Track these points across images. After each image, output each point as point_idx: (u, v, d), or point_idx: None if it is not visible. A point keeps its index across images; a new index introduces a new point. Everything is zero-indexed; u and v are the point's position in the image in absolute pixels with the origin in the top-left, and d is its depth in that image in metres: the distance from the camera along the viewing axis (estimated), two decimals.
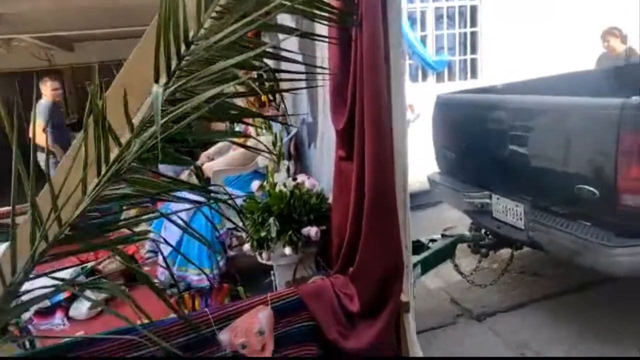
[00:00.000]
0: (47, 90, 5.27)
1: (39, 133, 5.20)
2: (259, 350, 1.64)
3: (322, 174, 2.33)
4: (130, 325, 1.38)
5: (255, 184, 2.23)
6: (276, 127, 2.50)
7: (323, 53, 1.83)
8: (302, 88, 1.76)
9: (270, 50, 1.33)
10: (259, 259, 2.21)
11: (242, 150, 2.60)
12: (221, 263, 2.45)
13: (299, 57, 1.60)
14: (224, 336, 1.63)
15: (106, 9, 5.95)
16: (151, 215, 1.44)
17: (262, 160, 2.37)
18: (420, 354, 1.74)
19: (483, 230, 3.46)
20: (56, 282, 1.24)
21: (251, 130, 2.49)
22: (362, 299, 1.62)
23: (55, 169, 5.16)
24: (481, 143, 3.27)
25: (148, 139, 1.21)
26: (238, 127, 2.60)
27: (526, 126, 2.96)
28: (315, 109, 2.36)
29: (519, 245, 3.43)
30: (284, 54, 1.45)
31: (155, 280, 2.61)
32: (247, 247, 2.21)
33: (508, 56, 6.41)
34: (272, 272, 2.29)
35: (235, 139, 2.05)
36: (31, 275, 1.21)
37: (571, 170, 2.62)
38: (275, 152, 2.24)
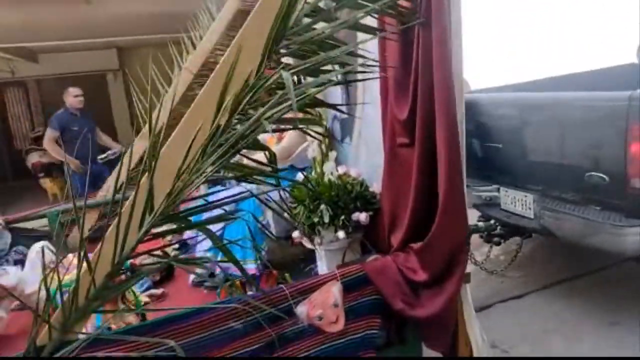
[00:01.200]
0: (68, 97, 5.22)
1: (46, 143, 5.18)
2: (334, 322, 1.77)
3: (359, 166, 2.48)
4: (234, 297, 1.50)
5: (300, 175, 2.37)
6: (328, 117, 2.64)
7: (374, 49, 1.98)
8: (358, 81, 1.90)
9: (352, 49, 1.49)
10: (308, 245, 2.34)
11: (283, 145, 2.73)
12: (263, 252, 2.56)
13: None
14: (301, 309, 1.75)
15: (73, 20, 5.96)
16: (244, 194, 1.56)
17: (312, 152, 2.50)
18: (477, 323, 1.91)
19: (492, 221, 3.67)
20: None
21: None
22: (430, 270, 1.78)
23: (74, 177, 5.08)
24: (489, 139, 3.50)
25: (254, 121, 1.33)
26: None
27: (536, 121, 3.20)
28: (352, 107, 2.51)
29: (528, 234, 3.66)
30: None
31: (198, 271, 2.70)
32: (296, 233, 2.33)
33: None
34: (317, 257, 2.41)
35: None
36: None
37: (581, 159, 2.86)
38: (324, 140, 2.38)
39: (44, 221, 3.44)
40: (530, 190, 3.24)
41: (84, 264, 1.32)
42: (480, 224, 3.59)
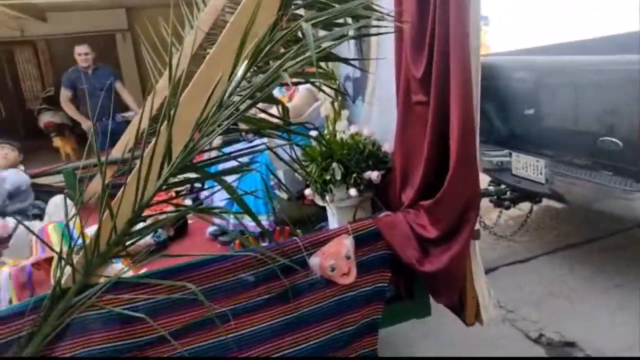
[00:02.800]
0: (75, 55, 5.18)
1: (61, 102, 5.19)
2: (346, 274, 1.82)
3: (372, 125, 2.49)
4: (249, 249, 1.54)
5: (313, 133, 2.38)
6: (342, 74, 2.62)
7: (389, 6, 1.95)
8: (373, 35, 1.88)
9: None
10: (320, 202, 2.38)
11: (294, 103, 2.74)
12: (275, 209, 2.61)
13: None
14: (314, 260, 1.80)
15: None
16: (259, 147, 1.58)
17: (324, 110, 2.51)
18: (484, 278, 1.95)
19: (502, 186, 3.68)
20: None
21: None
22: (440, 226, 1.81)
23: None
24: (501, 103, 3.47)
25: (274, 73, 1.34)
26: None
27: (549, 85, 3.16)
28: (364, 64, 2.49)
29: (539, 199, 3.68)
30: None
31: (211, 229, 2.77)
32: (308, 191, 2.37)
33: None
34: (329, 214, 2.46)
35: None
36: None
37: (595, 124, 2.84)
38: (337, 98, 2.39)
39: (60, 177, 3.51)
40: (542, 155, 3.24)
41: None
42: (491, 188, 3.61)
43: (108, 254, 1.41)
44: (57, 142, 7.70)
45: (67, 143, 7.73)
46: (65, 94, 5.16)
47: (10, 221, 2.45)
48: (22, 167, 3.27)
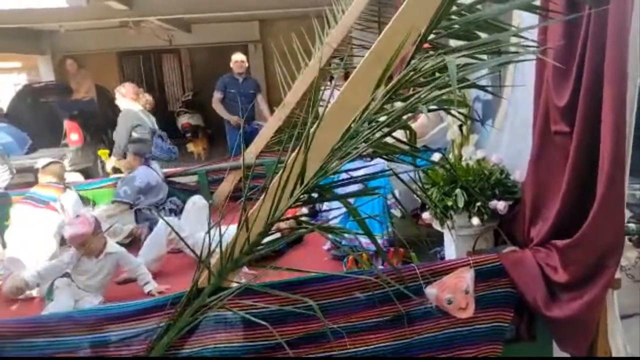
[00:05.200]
0: (231, 62, 5.72)
1: (213, 103, 5.74)
2: (463, 308, 1.76)
3: (500, 151, 2.36)
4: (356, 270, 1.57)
5: (436, 156, 2.33)
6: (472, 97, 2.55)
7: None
8: (515, 62, 1.80)
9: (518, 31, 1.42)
10: (437, 227, 2.32)
11: (419, 124, 2.71)
12: (390, 229, 2.60)
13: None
14: (431, 290, 1.76)
15: None
16: (386, 171, 1.60)
17: (451, 134, 2.45)
18: (621, 332, 1.76)
19: None
20: None
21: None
22: (574, 271, 1.67)
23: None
24: None
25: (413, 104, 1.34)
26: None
27: None
28: (499, 88, 2.38)
29: None
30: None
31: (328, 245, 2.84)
32: (426, 214, 2.33)
33: None
34: (446, 241, 2.39)
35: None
36: None
37: None
38: (466, 122, 2.32)
39: (194, 177, 3.87)
40: None
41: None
42: (631, 225, 3.22)
43: (240, 261, 1.51)
44: (190, 145, 8.48)
45: (199, 144, 8.48)
46: (216, 95, 5.70)
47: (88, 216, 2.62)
48: (154, 165, 3.59)
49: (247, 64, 5.82)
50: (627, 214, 3.43)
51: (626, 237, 3.30)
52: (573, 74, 1.66)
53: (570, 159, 1.67)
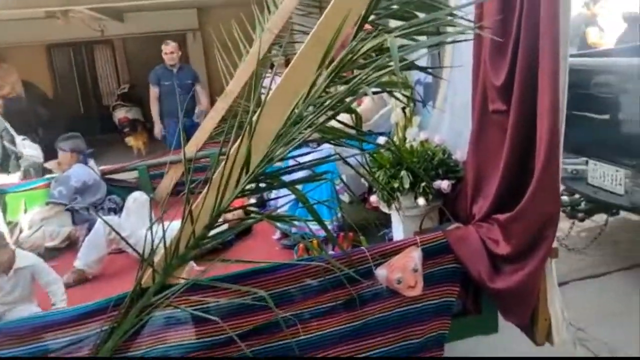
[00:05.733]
0: (163, 54, 5.39)
1: (152, 99, 5.43)
2: (412, 286, 1.79)
3: (442, 132, 2.42)
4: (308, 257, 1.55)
5: (381, 139, 2.36)
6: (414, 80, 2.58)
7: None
8: (456, 42, 1.83)
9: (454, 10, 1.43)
10: (385, 210, 2.35)
11: (362, 109, 2.72)
12: (339, 215, 2.61)
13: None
14: (381, 272, 1.79)
15: None
16: (333, 156, 1.59)
17: (394, 117, 2.48)
18: (559, 299, 1.86)
19: (577, 196, 3.48)
20: None
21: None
22: (515, 243, 1.74)
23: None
24: (580, 107, 3.25)
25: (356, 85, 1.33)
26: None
27: (632, 89, 2.94)
28: (438, 70, 2.42)
29: (615, 211, 3.45)
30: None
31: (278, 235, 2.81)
32: (374, 198, 2.35)
33: None
34: (393, 222, 2.42)
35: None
36: None
37: None
38: (409, 104, 2.35)
39: (134, 173, 3.70)
40: (622, 165, 3.03)
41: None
42: (564, 198, 3.43)
43: (186, 257, 1.46)
44: (129, 139, 8.12)
45: (139, 138, 8.14)
46: (152, 90, 5.39)
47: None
48: (91, 162, 3.42)
49: (178, 54, 5.46)
50: (560, 187, 3.65)
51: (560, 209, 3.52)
52: (509, 53, 1.71)
53: (508, 136, 1.74)
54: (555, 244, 1.82)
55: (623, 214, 3.75)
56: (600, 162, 3.21)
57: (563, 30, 1.56)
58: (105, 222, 2.24)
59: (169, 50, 5.36)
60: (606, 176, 3.16)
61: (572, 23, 6.62)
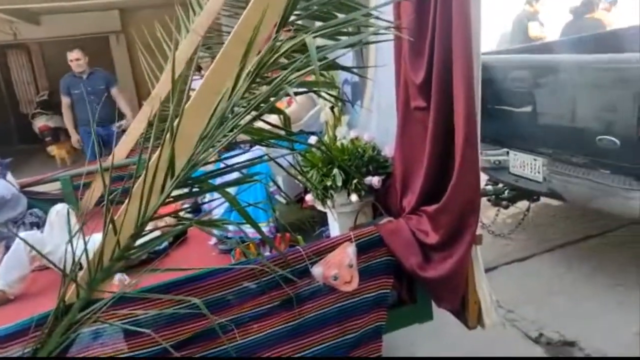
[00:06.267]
0: (69, 62, 5.10)
1: (64, 109, 5.12)
2: (348, 282, 1.82)
3: (371, 130, 2.48)
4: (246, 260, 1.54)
5: (312, 138, 2.38)
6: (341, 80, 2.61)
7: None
8: (376, 42, 1.88)
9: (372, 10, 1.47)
10: (321, 207, 2.38)
11: (292, 109, 2.73)
12: (274, 216, 2.60)
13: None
14: (317, 269, 1.80)
15: None
16: (262, 157, 1.58)
17: (324, 116, 2.50)
18: (487, 283, 1.96)
19: (500, 185, 3.69)
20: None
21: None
22: (442, 233, 1.82)
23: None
24: (498, 101, 3.47)
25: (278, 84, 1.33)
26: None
27: (546, 84, 3.17)
28: (363, 70, 2.48)
29: (536, 197, 3.69)
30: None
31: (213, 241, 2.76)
32: (309, 197, 2.37)
33: None
34: (329, 220, 2.45)
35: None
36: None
37: (592, 123, 2.85)
38: (337, 104, 2.38)
39: (57, 185, 3.48)
40: (539, 154, 3.25)
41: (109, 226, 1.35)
42: (489, 187, 3.62)
43: (111, 269, 1.40)
44: (52, 149, 7.65)
45: (62, 147, 7.68)
46: (64, 100, 5.11)
47: None
48: (8, 175, 3.20)
49: (85, 60, 5.17)
50: (484, 177, 3.85)
51: (485, 198, 3.72)
52: (426, 52, 1.78)
53: (429, 131, 1.81)
54: (480, 231, 1.92)
55: (543, 199, 4.03)
56: (519, 152, 3.42)
57: (475, 28, 1.64)
58: (21, 238, 2.09)
59: (74, 57, 5.09)
60: (526, 165, 3.38)
61: (516, 19, 7.12)
